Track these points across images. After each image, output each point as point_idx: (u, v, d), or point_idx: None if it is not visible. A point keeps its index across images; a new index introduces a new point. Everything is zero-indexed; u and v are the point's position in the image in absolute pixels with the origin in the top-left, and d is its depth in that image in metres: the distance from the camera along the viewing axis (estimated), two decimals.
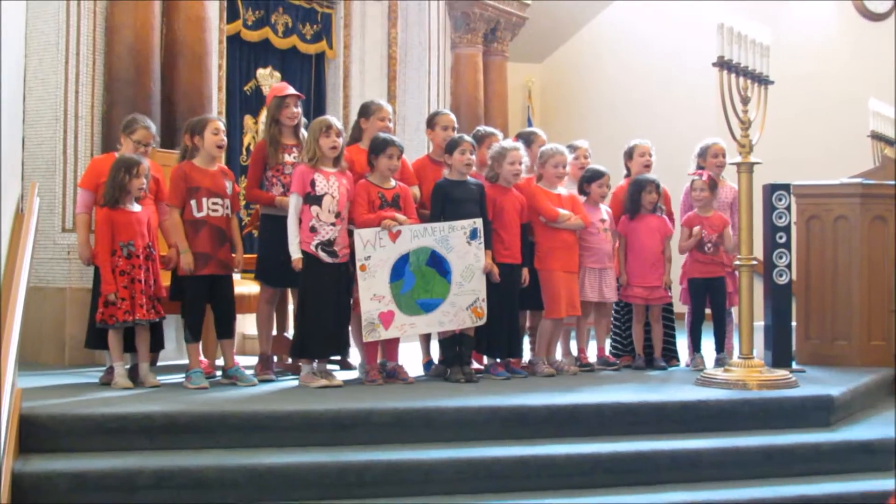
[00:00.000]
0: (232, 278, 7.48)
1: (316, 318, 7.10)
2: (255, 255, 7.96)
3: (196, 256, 7.15)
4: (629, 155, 8.77)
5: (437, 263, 7.34)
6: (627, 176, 8.79)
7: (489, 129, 8.42)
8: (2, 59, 5.71)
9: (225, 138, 7.40)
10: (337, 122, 7.34)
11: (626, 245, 8.41)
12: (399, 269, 7.25)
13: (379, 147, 7.38)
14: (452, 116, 8.24)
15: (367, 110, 7.92)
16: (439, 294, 7.35)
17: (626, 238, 8.41)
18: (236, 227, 7.46)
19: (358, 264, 7.16)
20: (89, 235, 7.34)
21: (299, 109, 7.77)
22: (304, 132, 7.70)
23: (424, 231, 7.34)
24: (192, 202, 7.20)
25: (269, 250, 7.50)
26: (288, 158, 7.57)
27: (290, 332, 7.93)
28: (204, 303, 7.27)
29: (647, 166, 8.66)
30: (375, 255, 7.19)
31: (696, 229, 8.29)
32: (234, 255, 7.39)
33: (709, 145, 8.65)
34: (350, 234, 7.24)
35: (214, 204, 7.25)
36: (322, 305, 7.11)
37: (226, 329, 7.35)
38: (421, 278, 7.31)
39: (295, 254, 7.09)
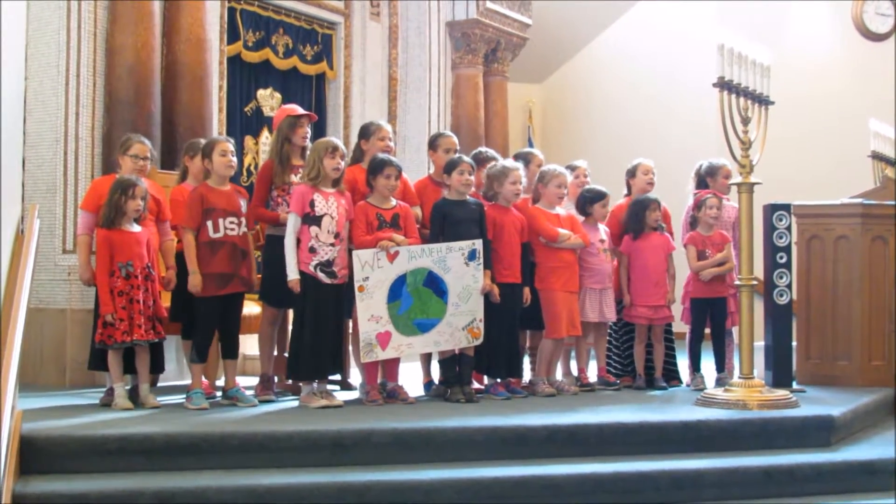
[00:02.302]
0: (243, 297, 7.47)
1: (313, 339, 7.10)
2: (258, 276, 7.97)
3: (214, 277, 7.16)
4: (632, 173, 8.77)
5: (434, 284, 7.34)
6: (628, 195, 8.79)
7: (490, 151, 8.42)
8: (2, 80, 5.72)
9: (234, 159, 7.41)
10: (342, 145, 7.37)
11: (628, 264, 8.40)
12: (396, 290, 7.25)
13: (377, 168, 7.39)
14: (455, 139, 8.25)
15: (366, 131, 7.94)
16: (435, 314, 7.35)
17: (629, 257, 8.41)
18: (251, 245, 7.47)
19: (356, 285, 7.17)
20: (90, 257, 7.34)
21: (310, 130, 7.80)
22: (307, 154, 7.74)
23: (422, 252, 7.35)
24: (209, 223, 7.21)
25: (274, 271, 7.46)
26: (294, 179, 7.58)
27: None
28: (216, 323, 7.29)
29: (651, 184, 8.66)
30: (373, 275, 7.19)
31: (719, 255, 8.28)
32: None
33: (719, 166, 8.64)
34: (349, 254, 7.25)
35: (231, 223, 7.27)
36: (320, 326, 7.11)
37: (231, 349, 7.37)
38: (418, 299, 7.31)
39: (292, 275, 7.10)
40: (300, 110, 7.86)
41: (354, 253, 7.19)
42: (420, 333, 7.34)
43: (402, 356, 7.45)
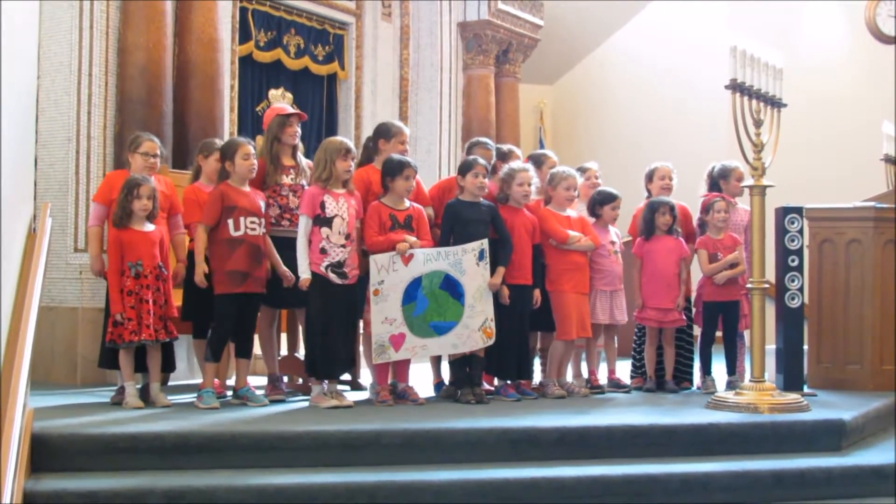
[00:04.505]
0: (260, 298, 7.46)
1: (324, 339, 7.10)
2: None
3: (231, 274, 7.15)
4: (649, 177, 8.76)
5: (451, 287, 7.34)
6: (648, 198, 8.77)
7: (509, 145, 8.51)
8: (15, 79, 5.73)
9: (256, 161, 7.41)
10: (353, 146, 7.37)
11: (640, 267, 8.40)
12: (411, 293, 7.25)
13: (395, 169, 7.38)
14: (493, 150, 8.27)
15: (388, 132, 7.88)
16: (453, 317, 7.35)
17: (641, 260, 8.40)
18: (272, 245, 7.45)
19: (371, 289, 7.18)
20: (101, 248, 7.37)
21: (300, 129, 7.79)
22: (300, 156, 7.73)
23: (438, 255, 7.35)
24: (230, 221, 7.19)
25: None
26: (285, 179, 7.59)
27: (301, 353, 7.93)
28: (233, 322, 7.25)
29: (667, 189, 8.64)
30: (388, 279, 7.20)
31: (730, 256, 8.27)
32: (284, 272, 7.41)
33: (731, 169, 8.62)
34: (364, 254, 7.25)
35: (252, 223, 7.24)
36: (331, 326, 7.11)
37: (245, 348, 7.37)
38: (434, 301, 7.31)
39: (304, 274, 7.10)
40: (289, 109, 7.86)
41: (371, 258, 7.19)
42: (436, 336, 7.33)
43: (415, 357, 7.44)
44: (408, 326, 7.25)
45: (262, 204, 7.40)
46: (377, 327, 7.20)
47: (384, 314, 7.21)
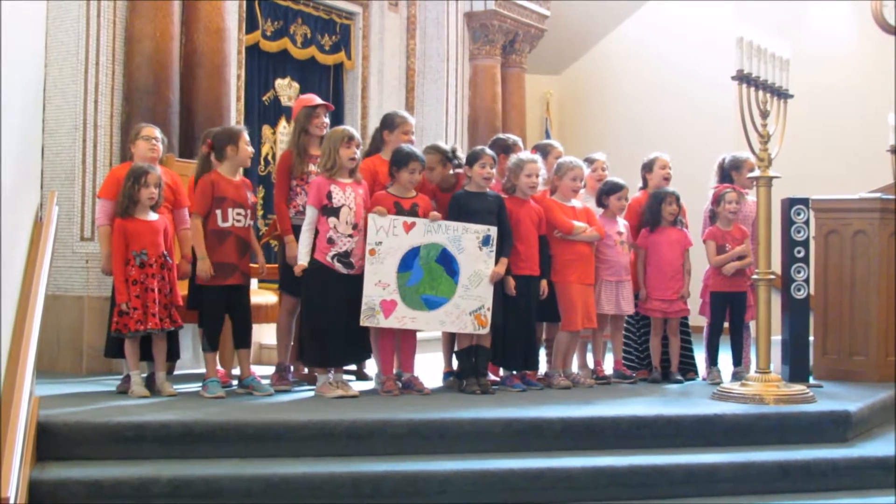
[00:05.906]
0: (249, 288, 7.49)
1: (322, 327, 7.10)
2: (275, 265, 7.98)
3: (221, 266, 7.17)
4: (649, 167, 8.75)
5: (447, 262, 7.32)
6: (643, 188, 8.78)
7: (513, 137, 8.47)
8: (23, 68, 5.73)
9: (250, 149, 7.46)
10: (357, 134, 7.36)
11: (645, 258, 8.39)
12: (408, 261, 7.23)
13: (401, 161, 7.38)
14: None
15: (391, 123, 7.91)
16: (445, 293, 7.33)
17: (646, 250, 8.39)
18: (254, 237, 7.48)
19: (368, 248, 7.15)
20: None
21: (328, 120, 7.79)
22: None
23: (438, 227, 7.33)
24: (218, 212, 7.22)
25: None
26: (313, 168, 7.59)
27: None
28: (223, 312, 7.29)
29: (667, 179, 8.64)
30: (387, 241, 7.17)
31: (738, 249, 8.27)
32: (255, 264, 7.48)
33: (743, 160, 8.57)
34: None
35: (238, 214, 7.27)
36: (328, 314, 7.10)
37: (243, 339, 7.36)
38: (429, 274, 7.29)
39: (302, 259, 7.12)
40: (317, 100, 7.85)
41: (370, 216, 7.17)
42: (426, 310, 7.31)
43: (403, 327, 7.38)
44: (400, 295, 7.23)
45: (250, 195, 7.44)
46: (369, 288, 7.16)
47: (378, 276, 7.18)
